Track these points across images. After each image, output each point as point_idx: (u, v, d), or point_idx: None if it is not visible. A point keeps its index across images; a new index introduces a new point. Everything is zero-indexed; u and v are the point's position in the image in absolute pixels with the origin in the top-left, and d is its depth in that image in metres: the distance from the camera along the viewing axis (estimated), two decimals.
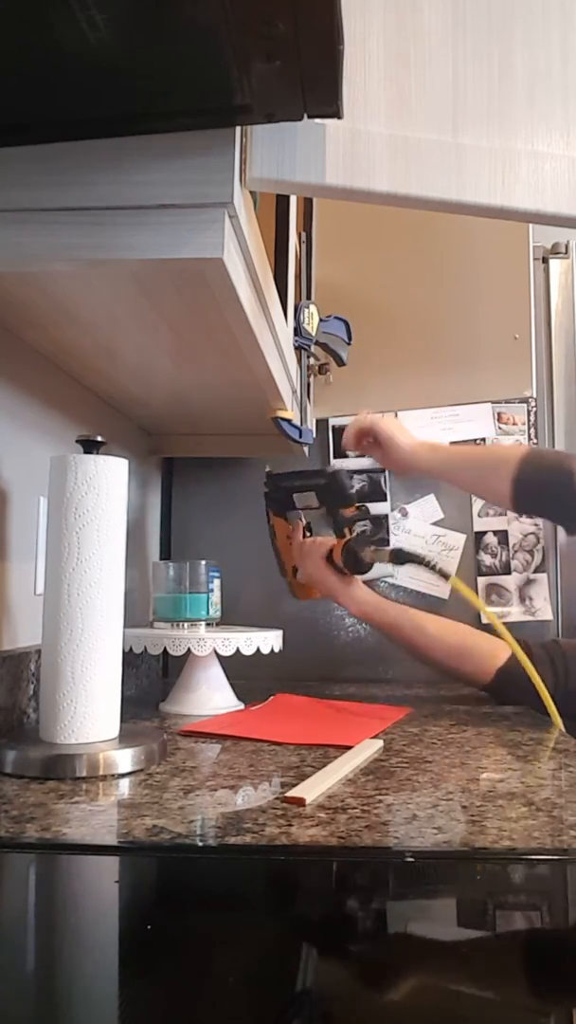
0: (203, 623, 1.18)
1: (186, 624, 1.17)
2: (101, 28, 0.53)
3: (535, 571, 1.55)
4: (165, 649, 1.09)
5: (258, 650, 1.12)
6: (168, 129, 0.64)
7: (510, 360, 1.43)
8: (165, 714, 1.12)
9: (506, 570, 1.55)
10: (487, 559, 1.56)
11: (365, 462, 1.58)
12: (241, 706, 1.15)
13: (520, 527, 1.57)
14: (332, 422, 1.60)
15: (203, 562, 1.21)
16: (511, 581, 1.54)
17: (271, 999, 0.39)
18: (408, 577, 1.54)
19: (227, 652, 1.09)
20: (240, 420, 1.33)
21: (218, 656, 1.13)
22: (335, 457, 1.59)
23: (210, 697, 1.14)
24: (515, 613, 1.53)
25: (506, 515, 1.57)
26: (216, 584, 1.21)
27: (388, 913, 0.51)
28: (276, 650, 1.16)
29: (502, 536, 1.57)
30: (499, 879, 0.55)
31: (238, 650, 1.10)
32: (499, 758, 0.85)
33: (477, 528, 1.57)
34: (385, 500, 1.58)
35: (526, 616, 1.52)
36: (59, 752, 0.75)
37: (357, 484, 1.58)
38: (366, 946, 0.46)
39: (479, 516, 1.57)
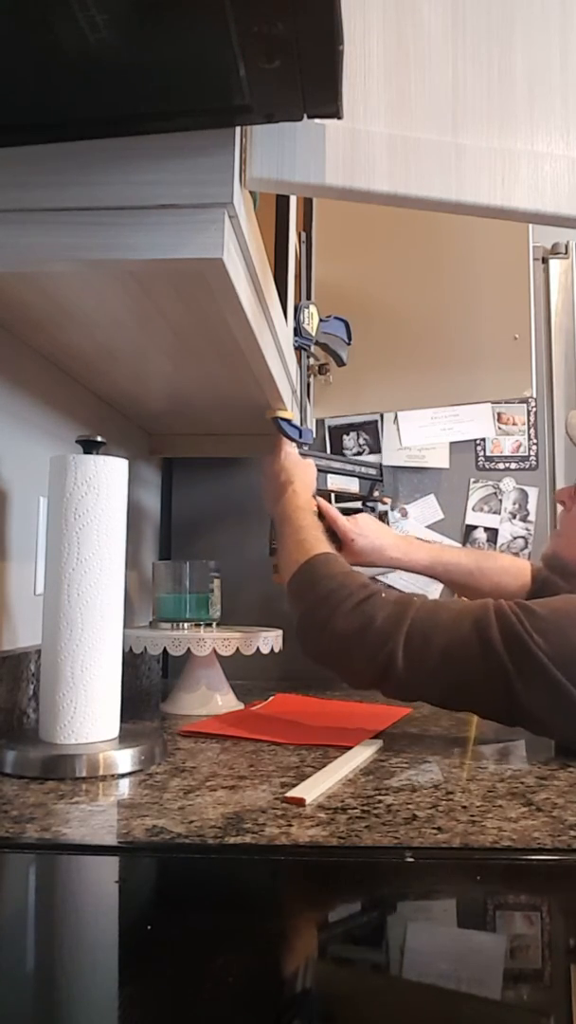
0: (203, 623, 1.18)
1: (186, 624, 1.17)
2: (101, 28, 0.52)
3: None
4: (165, 649, 1.09)
5: (258, 650, 1.12)
6: (168, 129, 0.64)
7: (510, 360, 1.42)
8: (165, 714, 1.12)
9: None
10: None
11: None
12: (241, 706, 1.15)
13: (511, 528, 1.57)
14: (328, 422, 1.59)
15: (203, 562, 1.21)
16: None
17: (271, 999, 0.39)
18: (399, 578, 1.54)
19: (227, 652, 1.09)
20: (240, 420, 1.32)
21: (218, 656, 1.13)
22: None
23: (210, 697, 1.14)
24: None
25: (499, 514, 1.57)
26: (216, 584, 1.21)
27: (388, 913, 0.51)
28: (276, 650, 1.16)
29: (491, 534, 1.57)
30: (499, 879, 0.55)
31: (238, 650, 1.10)
32: (499, 758, 0.85)
33: (469, 521, 1.57)
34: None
35: None
36: (59, 752, 0.75)
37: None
38: (366, 946, 0.46)
39: (472, 510, 1.58)
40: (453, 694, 0.87)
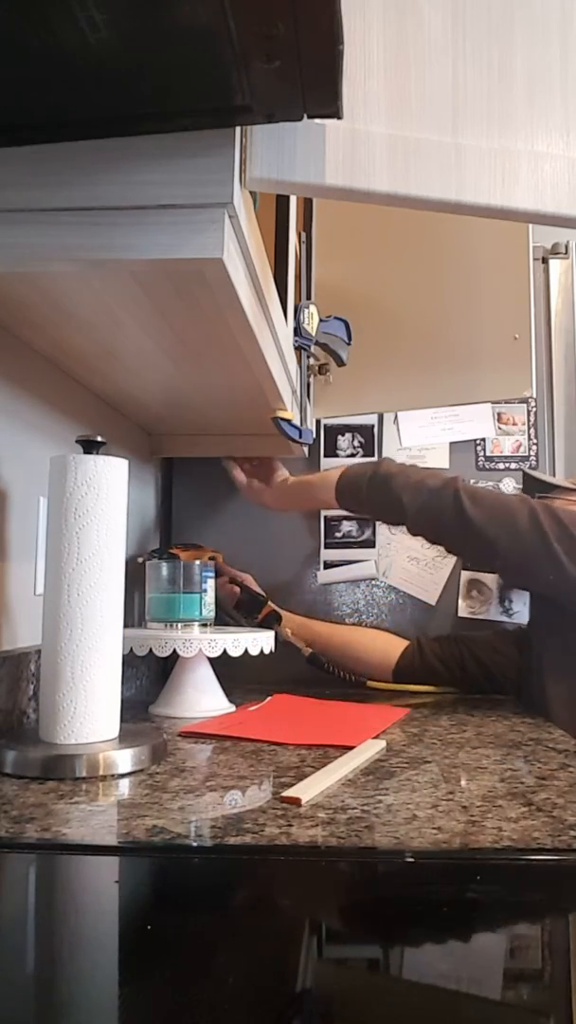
0: (196, 624, 1.15)
1: (179, 624, 1.15)
2: (101, 28, 0.53)
3: None
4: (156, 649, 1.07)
5: (256, 651, 1.11)
6: (168, 129, 0.64)
7: (510, 360, 1.42)
8: (153, 716, 1.10)
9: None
10: None
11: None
12: (231, 708, 1.13)
13: None
14: (324, 422, 1.59)
15: (196, 562, 1.19)
16: (492, 580, 1.53)
17: (271, 999, 0.39)
18: (400, 579, 1.54)
19: (213, 653, 1.08)
20: (240, 420, 1.32)
21: (214, 659, 1.11)
22: (326, 456, 1.59)
23: (197, 699, 1.11)
24: (492, 612, 1.52)
25: None
26: (210, 584, 1.19)
27: (387, 913, 0.51)
28: (266, 651, 1.14)
29: None
30: (499, 879, 0.55)
31: (226, 652, 1.08)
32: (499, 758, 0.85)
33: None
34: None
35: (502, 617, 1.51)
36: (59, 752, 0.75)
37: None
38: (365, 946, 0.46)
39: None
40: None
